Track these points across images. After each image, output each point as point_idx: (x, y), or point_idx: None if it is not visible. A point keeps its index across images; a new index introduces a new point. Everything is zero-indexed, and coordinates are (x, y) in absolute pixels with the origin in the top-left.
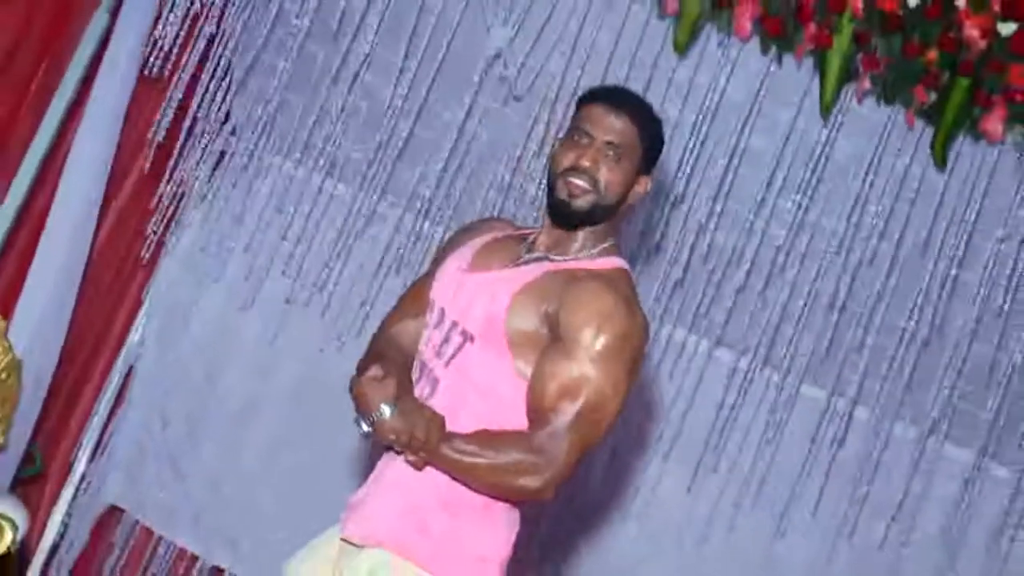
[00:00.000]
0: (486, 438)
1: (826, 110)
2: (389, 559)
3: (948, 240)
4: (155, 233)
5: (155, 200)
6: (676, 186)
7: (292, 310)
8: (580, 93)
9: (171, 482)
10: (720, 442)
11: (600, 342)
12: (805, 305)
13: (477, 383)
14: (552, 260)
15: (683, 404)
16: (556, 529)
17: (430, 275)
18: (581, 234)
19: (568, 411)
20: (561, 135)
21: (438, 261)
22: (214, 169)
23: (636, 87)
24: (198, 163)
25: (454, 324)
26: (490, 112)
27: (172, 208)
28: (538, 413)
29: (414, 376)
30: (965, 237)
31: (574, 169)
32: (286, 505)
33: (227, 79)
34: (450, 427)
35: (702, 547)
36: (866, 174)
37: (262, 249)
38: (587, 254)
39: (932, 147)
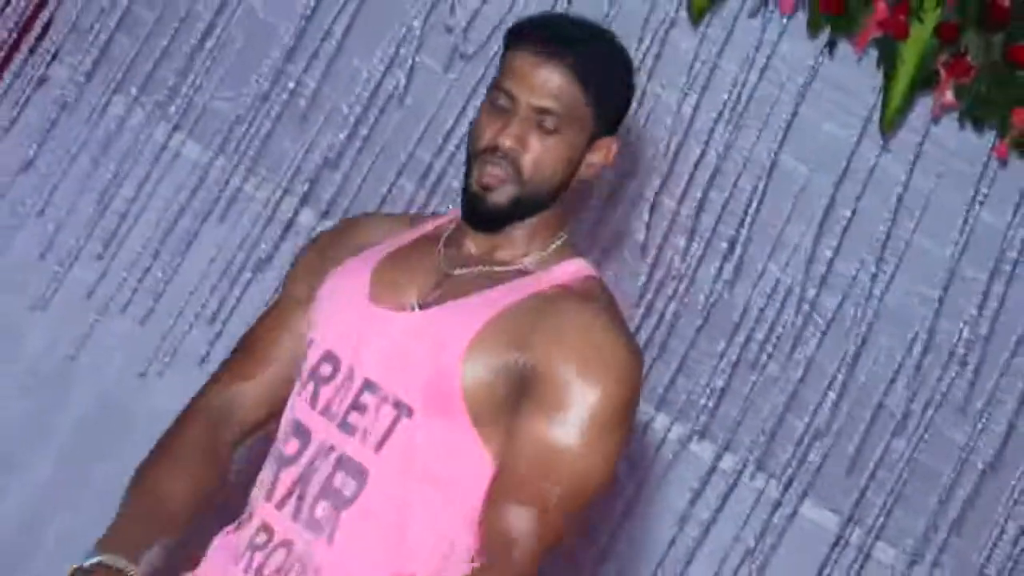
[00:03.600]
0: None
1: (888, 126)
2: None
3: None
4: None
5: None
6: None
7: (103, 312)
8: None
9: None
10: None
11: (596, 403)
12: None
13: (425, 470)
14: (494, 271)
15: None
16: None
17: (291, 306)
18: (517, 232)
19: (545, 498)
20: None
21: (304, 282)
22: (18, 102)
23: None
24: None
25: (370, 385)
26: (421, 71)
27: None
28: (502, 497)
29: (282, 451)
30: None
31: (491, 150)
32: None
33: None
34: (397, 537)
35: None
36: (946, 228)
37: (69, 219)
38: (536, 258)
39: None
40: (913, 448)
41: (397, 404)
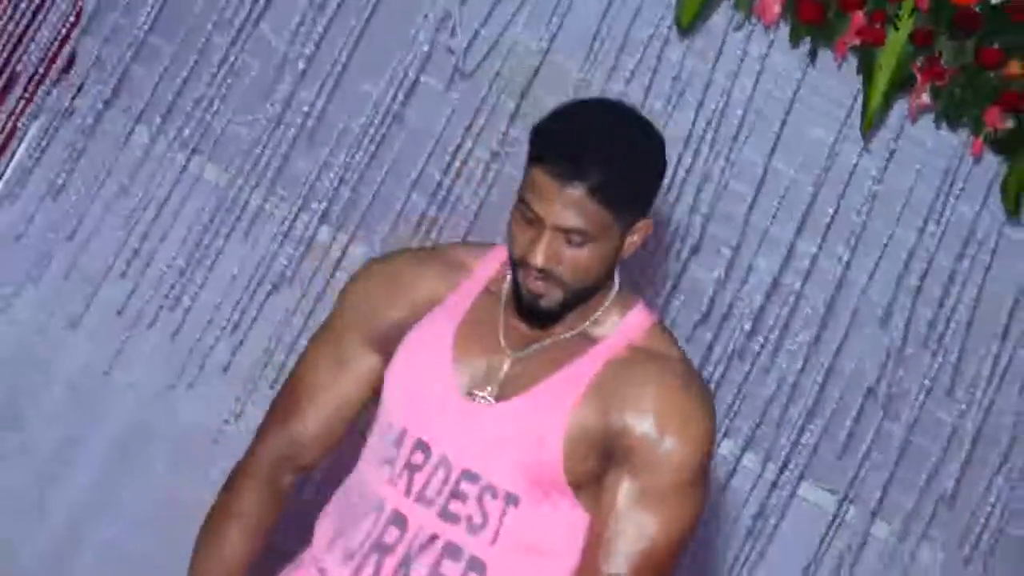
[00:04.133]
0: None
1: (867, 127)
2: None
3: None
4: None
5: None
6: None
7: (132, 329)
8: (535, 122)
9: None
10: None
11: (682, 462)
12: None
13: (534, 546)
14: (563, 339)
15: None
16: None
17: (348, 347)
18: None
19: (641, 563)
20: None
21: (364, 325)
22: (46, 133)
23: (623, 71)
24: (14, 118)
25: (469, 475)
26: (425, 91)
27: None
28: (601, 563)
29: (380, 539)
30: None
31: (524, 264)
32: None
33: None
34: None
35: None
36: (925, 221)
37: (97, 242)
38: (598, 318)
39: (1003, 189)
40: (907, 430)
41: (503, 495)
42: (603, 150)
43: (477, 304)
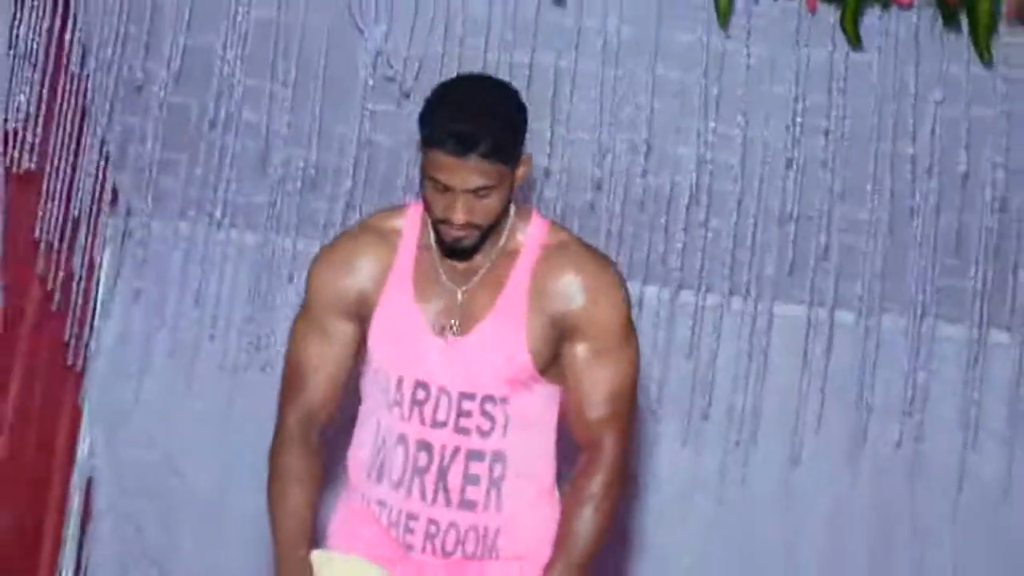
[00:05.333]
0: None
1: (723, 20)
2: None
3: (886, 119)
4: (75, 338)
5: (57, 303)
6: (597, 140)
7: (235, 377)
8: (421, 111)
9: None
10: (708, 387)
11: (615, 322)
12: (756, 225)
13: (527, 425)
14: (494, 262)
15: (658, 361)
16: None
17: (325, 324)
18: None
19: (618, 412)
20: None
21: (332, 306)
22: (115, 254)
23: (514, 43)
24: (87, 250)
25: (466, 395)
26: (384, 116)
27: (82, 304)
28: (582, 412)
29: (415, 463)
30: (902, 110)
31: (447, 222)
32: None
33: (102, 156)
34: (534, 475)
35: (718, 496)
36: (795, 76)
37: (183, 319)
38: (519, 235)
39: (843, 27)
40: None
41: (497, 400)
42: (482, 123)
43: (418, 260)
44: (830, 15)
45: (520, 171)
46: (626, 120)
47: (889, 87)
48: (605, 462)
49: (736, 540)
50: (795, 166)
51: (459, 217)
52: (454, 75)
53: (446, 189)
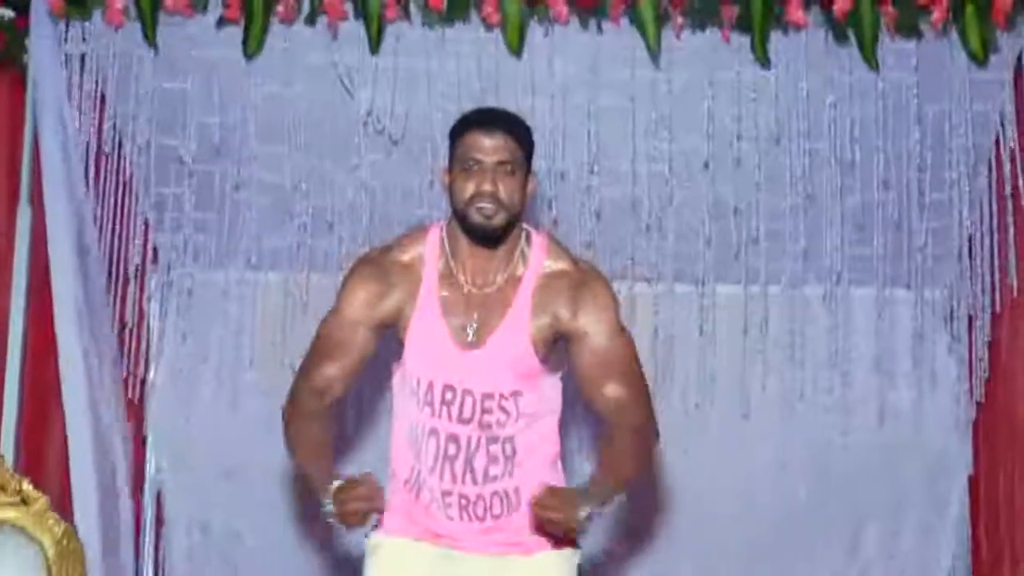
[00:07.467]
0: (617, 467)
1: (654, 56)
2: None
3: (793, 123)
4: (132, 375)
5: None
6: (557, 163)
7: (271, 398)
8: (452, 124)
9: None
10: (666, 368)
11: (607, 315)
12: (696, 220)
13: (535, 413)
14: (501, 286)
15: None
16: None
17: (355, 320)
18: (502, 247)
19: (632, 383)
20: (447, 165)
21: (366, 307)
22: (160, 304)
23: (482, 92)
24: (138, 302)
25: (487, 396)
26: (380, 163)
27: (135, 347)
28: (596, 385)
29: (444, 452)
30: (802, 114)
31: (479, 195)
32: None
33: (138, 221)
34: (541, 456)
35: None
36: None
37: (225, 351)
38: (525, 258)
39: (754, 51)
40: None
41: (511, 395)
42: (504, 114)
43: (441, 282)
44: (742, 41)
45: (530, 185)
46: (578, 143)
47: (790, 97)
48: (634, 409)
49: (698, 484)
50: (720, 166)
51: (488, 187)
52: (434, 123)
53: (476, 165)
